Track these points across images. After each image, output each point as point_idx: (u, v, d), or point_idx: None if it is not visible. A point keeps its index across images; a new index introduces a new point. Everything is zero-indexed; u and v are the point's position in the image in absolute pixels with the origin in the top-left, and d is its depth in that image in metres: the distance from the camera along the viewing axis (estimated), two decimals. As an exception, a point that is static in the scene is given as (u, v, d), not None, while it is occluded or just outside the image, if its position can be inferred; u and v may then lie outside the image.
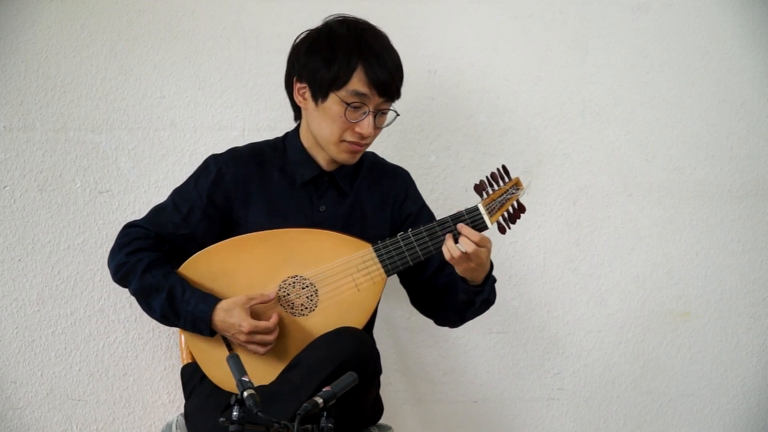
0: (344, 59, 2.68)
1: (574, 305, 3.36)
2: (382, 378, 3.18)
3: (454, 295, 2.75)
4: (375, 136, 2.75)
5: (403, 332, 3.29)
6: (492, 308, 3.31)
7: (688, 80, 3.39)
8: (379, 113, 2.73)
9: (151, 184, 3.15)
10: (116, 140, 3.16)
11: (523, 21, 3.31)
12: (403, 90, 3.25)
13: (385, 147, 3.24)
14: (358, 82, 2.68)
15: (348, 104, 2.68)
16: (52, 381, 3.14)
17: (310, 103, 2.73)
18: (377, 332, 3.19)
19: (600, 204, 3.36)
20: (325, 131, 2.73)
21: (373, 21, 3.22)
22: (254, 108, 3.19)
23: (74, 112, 3.14)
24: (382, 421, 2.94)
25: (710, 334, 3.42)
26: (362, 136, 2.71)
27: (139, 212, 3.06)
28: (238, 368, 2.25)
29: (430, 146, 3.29)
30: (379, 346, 3.08)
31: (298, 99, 2.76)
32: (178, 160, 3.15)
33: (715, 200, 3.41)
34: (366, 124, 2.70)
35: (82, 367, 3.15)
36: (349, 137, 2.72)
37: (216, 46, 3.16)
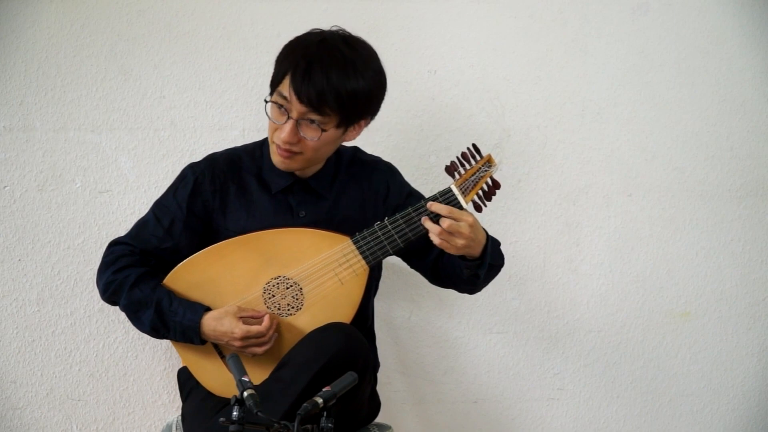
0: (284, 63, 2.66)
1: (574, 305, 3.36)
2: (382, 377, 3.18)
3: (460, 271, 2.77)
4: (309, 149, 2.68)
5: (403, 332, 3.29)
6: (492, 308, 3.32)
7: (688, 80, 3.39)
8: (306, 123, 2.66)
9: (151, 184, 3.15)
10: (116, 140, 3.16)
11: (523, 21, 3.31)
12: (403, 90, 3.26)
13: (385, 147, 3.24)
14: (284, 85, 2.64)
15: (271, 102, 2.67)
16: (52, 381, 3.14)
17: None
18: (377, 331, 3.19)
19: (600, 204, 3.36)
20: (268, 135, 2.74)
21: (373, 21, 3.24)
22: (254, 108, 3.19)
23: (74, 112, 3.14)
24: (382, 420, 2.94)
25: (710, 334, 3.42)
26: (282, 141, 2.67)
27: (139, 212, 3.06)
28: (238, 368, 2.25)
29: (430, 146, 3.29)
30: (379, 346, 3.08)
31: None
32: (178, 160, 3.15)
33: (715, 200, 3.41)
34: (284, 129, 2.66)
35: (82, 367, 3.15)
36: (275, 139, 2.70)
37: (216, 46, 3.16)
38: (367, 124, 2.78)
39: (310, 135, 2.67)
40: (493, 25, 3.30)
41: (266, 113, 2.69)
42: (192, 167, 2.83)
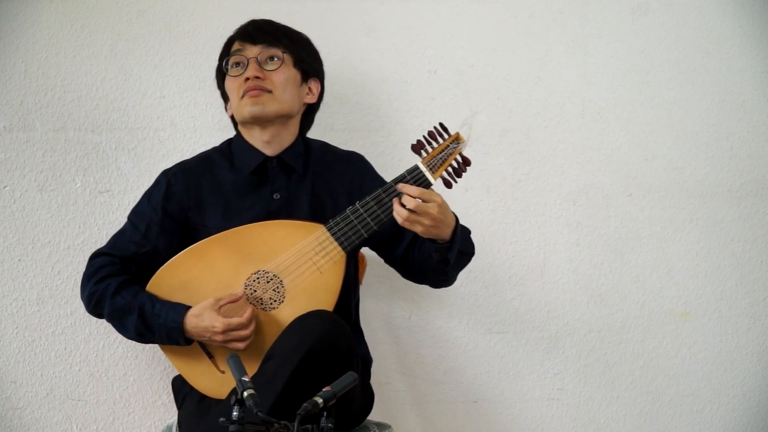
0: (229, 40, 2.91)
1: (574, 305, 3.36)
2: (382, 377, 3.18)
3: (429, 258, 2.76)
4: (276, 83, 2.81)
5: (403, 332, 3.29)
6: (492, 308, 3.32)
7: (688, 80, 3.39)
8: (265, 62, 2.84)
9: (151, 184, 3.15)
10: (116, 140, 3.16)
11: (523, 21, 3.31)
12: (403, 90, 3.26)
13: (385, 147, 3.24)
14: (236, 44, 2.88)
15: (228, 64, 2.86)
16: (52, 381, 3.14)
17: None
18: (377, 331, 3.20)
19: (600, 204, 3.36)
20: (234, 102, 2.86)
21: (373, 21, 3.24)
22: (254, 108, 3.18)
23: (74, 112, 3.14)
24: (382, 420, 2.94)
25: (710, 334, 3.42)
26: (251, 75, 2.81)
27: (139, 212, 3.06)
28: (238, 368, 2.25)
29: (430, 146, 3.29)
30: (379, 345, 3.08)
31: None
32: (178, 160, 3.14)
33: (715, 200, 3.41)
34: (248, 69, 2.83)
35: (82, 367, 3.15)
36: (244, 85, 2.83)
37: (216, 46, 3.15)
38: (318, 91, 2.91)
39: (272, 67, 2.83)
40: (493, 25, 3.30)
41: (225, 70, 2.86)
42: (164, 172, 2.90)
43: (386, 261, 2.94)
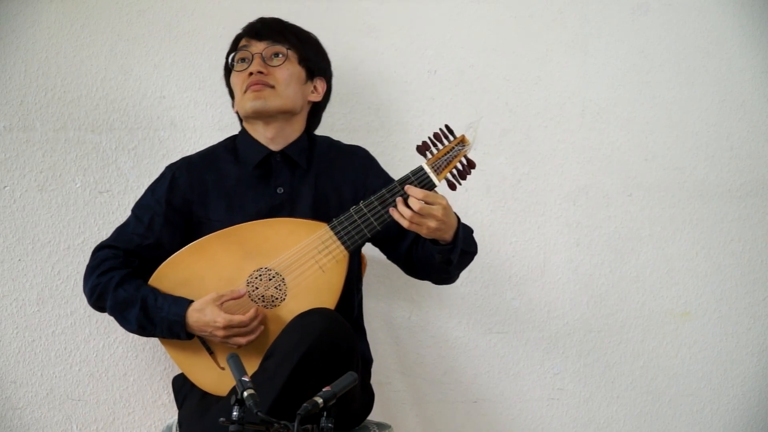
0: (237, 36, 2.94)
1: (574, 305, 3.36)
2: (382, 377, 3.18)
3: (432, 257, 2.76)
4: (279, 79, 2.83)
5: (403, 332, 3.29)
6: (492, 308, 3.32)
7: (688, 80, 3.39)
8: (270, 58, 2.86)
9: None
10: (116, 140, 3.16)
11: (523, 21, 3.31)
12: (403, 90, 3.26)
13: (385, 147, 3.24)
14: (242, 41, 2.90)
15: (234, 60, 2.88)
16: (52, 381, 3.14)
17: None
18: (377, 331, 3.20)
19: (600, 204, 3.36)
20: (237, 96, 2.87)
21: (373, 21, 3.24)
22: (254, 108, 3.18)
23: (74, 112, 3.14)
24: (382, 420, 2.94)
25: (710, 334, 3.42)
26: (254, 70, 2.83)
27: (139, 212, 3.06)
28: (238, 368, 2.25)
29: (430, 146, 3.28)
30: (379, 345, 3.08)
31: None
32: (178, 160, 3.15)
33: (715, 200, 3.41)
34: (252, 63, 2.85)
35: (82, 367, 3.15)
36: (247, 80, 2.84)
37: (216, 46, 3.16)
38: (324, 90, 2.92)
39: (276, 63, 2.85)
40: (493, 25, 3.30)
41: (231, 66, 2.87)
42: (169, 166, 2.91)
43: (389, 258, 2.94)
